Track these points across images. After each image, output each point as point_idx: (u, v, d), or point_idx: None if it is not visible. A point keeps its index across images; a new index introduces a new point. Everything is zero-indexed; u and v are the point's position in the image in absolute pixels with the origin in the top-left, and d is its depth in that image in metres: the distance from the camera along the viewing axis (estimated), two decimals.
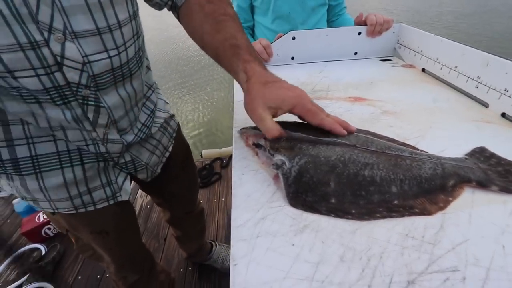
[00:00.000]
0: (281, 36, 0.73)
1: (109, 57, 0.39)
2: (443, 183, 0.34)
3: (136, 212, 1.48)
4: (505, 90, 0.46)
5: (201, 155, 1.83)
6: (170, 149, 0.62)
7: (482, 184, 0.33)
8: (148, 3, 0.49)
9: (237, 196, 0.35)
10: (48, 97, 0.36)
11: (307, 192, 0.33)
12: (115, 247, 0.60)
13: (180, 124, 0.70)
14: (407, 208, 0.32)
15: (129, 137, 0.49)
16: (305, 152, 0.36)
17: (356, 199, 0.32)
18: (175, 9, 0.49)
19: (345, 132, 0.39)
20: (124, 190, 0.53)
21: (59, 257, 1.25)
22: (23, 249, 1.29)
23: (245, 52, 0.40)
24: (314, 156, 0.36)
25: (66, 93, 0.37)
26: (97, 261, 0.65)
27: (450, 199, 0.33)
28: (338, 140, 0.38)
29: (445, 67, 0.59)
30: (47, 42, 0.33)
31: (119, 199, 0.52)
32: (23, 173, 0.42)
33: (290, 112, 0.38)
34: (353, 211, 0.32)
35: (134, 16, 0.42)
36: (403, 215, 0.31)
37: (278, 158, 0.37)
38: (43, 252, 1.27)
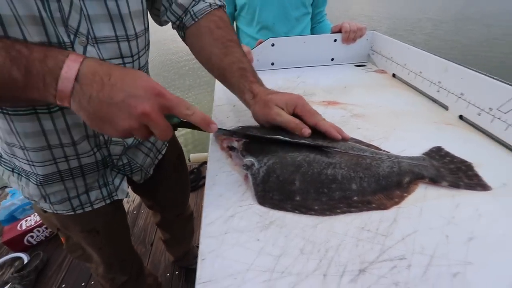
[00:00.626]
0: (261, 43, 0.76)
1: (124, 63, 0.43)
2: (399, 180, 0.36)
3: None
4: (461, 94, 0.50)
5: (189, 159, 1.83)
6: (163, 151, 0.64)
7: (434, 180, 0.37)
8: (152, 17, 0.53)
9: (209, 195, 0.37)
10: None
11: (274, 191, 0.35)
12: (104, 247, 0.61)
13: None
14: (365, 204, 0.34)
15: (129, 140, 0.52)
16: (273, 153, 0.39)
17: (319, 196, 0.35)
18: (182, 29, 0.52)
19: (340, 137, 0.41)
20: (121, 189, 0.55)
21: (42, 266, 1.23)
22: (3, 258, 1.26)
23: (251, 75, 0.47)
24: (281, 157, 0.38)
25: None
26: (85, 262, 0.66)
27: (405, 194, 0.35)
28: (306, 141, 0.40)
29: (412, 73, 0.63)
30: (72, 44, 0.36)
31: (115, 198, 0.55)
32: (31, 180, 0.46)
33: (293, 112, 0.42)
34: (316, 207, 0.34)
35: (147, 29, 0.47)
36: (361, 210, 0.34)
37: (248, 159, 0.39)
38: (25, 261, 1.24)
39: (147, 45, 0.48)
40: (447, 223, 0.32)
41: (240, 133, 0.44)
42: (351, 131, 0.47)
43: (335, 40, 0.77)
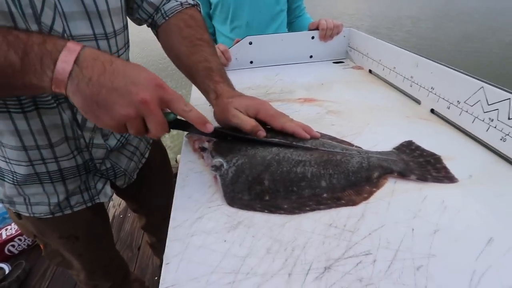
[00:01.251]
0: (238, 41, 0.75)
1: None
2: (369, 175, 0.36)
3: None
4: (431, 88, 0.50)
5: (176, 161, 1.81)
6: (146, 155, 0.63)
7: (403, 174, 0.37)
8: (129, 17, 0.52)
9: (178, 197, 0.37)
10: (44, 98, 0.38)
11: (243, 191, 0.35)
12: (85, 253, 0.59)
13: None
14: (334, 200, 0.34)
15: (112, 142, 0.50)
16: (243, 153, 0.38)
17: (288, 195, 0.35)
18: (154, 27, 0.52)
19: (308, 136, 0.41)
20: (104, 193, 0.54)
21: (25, 276, 1.19)
22: None
23: (216, 74, 0.46)
24: (250, 156, 0.38)
25: (59, 95, 0.38)
26: (66, 268, 0.64)
27: (374, 189, 0.35)
28: (276, 139, 0.40)
29: (386, 68, 0.63)
30: None
31: (97, 201, 0.53)
32: (5, 179, 0.44)
33: (257, 118, 0.41)
34: (285, 206, 0.34)
35: (126, 27, 0.46)
36: (330, 207, 0.33)
37: (217, 160, 0.38)
38: (7, 271, 1.20)
39: (126, 43, 0.47)
40: (413, 217, 0.32)
41: (229, 133, 0.42)
42: (325, 128, 0.47)
43: (312, 38, 0.77)
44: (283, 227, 0.32)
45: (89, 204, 0.52)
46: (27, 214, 0.49)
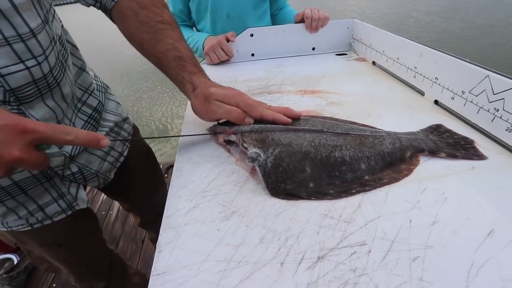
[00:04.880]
0: (234, 34, 0.74)
1: (27, 68, 0.35)
2: (402, 155, 0.37)
3: (114, 216, 1.46)
4: (435, 78, 0.49)
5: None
6: (125, 153, 0.59)
7: (433, 152, 0.38)
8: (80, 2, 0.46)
9: (173, 187, 0.36)
10: None
11: (286, 180, 0.34)
12: (70, 259, 0.57)
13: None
14: (377, 181, 0.34)
15: (69, 148, 0.45)
16: (277, 142, 0.38)
17: (332, 180, 0.34)
18: (106, 11, 0.46)
19: (289, 120, 0.40)
20: (80, 198, 0.51)
21: (32, 266, 1.22)
22: None
23: (190, 64, 0.43)
24: (286, 145, 0.37)
25: None
26: (55, 273, 0.62)
27: (412, 167, 0.36)
28: (306, 127, 0.39)
29: (390, 59, 0.62)
30: None
31: (77, 208, 0.50)
32: None
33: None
34: (331, 191, 0.33)
35: (46, 20, 0.38)
36: (374, 187, 0.34)
37: (253, 151, 0.37)
38: (15, 262, 1.23)
39: (52, 40, 0.40)
40: (411, 208, 0.31)
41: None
42: None
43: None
44: (278, 217, 0.31)
45: (69, 213, 0.49)
46: (4, 229, 0.45)
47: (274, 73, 0.68)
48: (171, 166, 1.55)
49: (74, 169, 0.48)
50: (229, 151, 0.42)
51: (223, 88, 0.42)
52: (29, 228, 0.46)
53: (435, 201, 0.31)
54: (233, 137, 0.41)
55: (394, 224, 0.29)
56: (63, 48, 0.43)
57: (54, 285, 1.15)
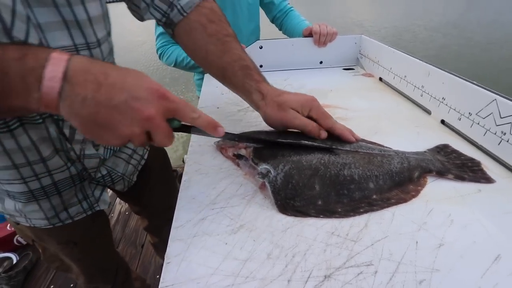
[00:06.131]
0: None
1: None
2: (410, 175, 0.37)
3: (115, 219, 1.46)
4: (442, 98, 0.50)
5: (183, 161, 1.83)
6: (145, 156, 0.61)
7: (441, 173, 0.38)
8: (133, 14, 0.48)
9: (182, 198, 0.37)
10: (29, 114, 0.36)
11: (295, 197, 0.35)
12: (83, 258, 0.59)
13: None
14: (385, 200, 0.35)
15: (102, 150, 0.48)
16: (287, 158, 0.38)
17: (340, 198, 0.35)
18: (170, 26, 0.48)
19: (354, 139, 0.41)
20: (103, 200, 0.53)
21: (31, 266, 1.22)
22: None
23: (255, 73, 0.44)
24: (296, 161, 0.38)
25: None
26: (65, 272, 0.63)
27: (419, 188, 0.36)
28: (316, 143, 0.40)
29: (397, 77, 0.62)
30: None
31: (97, 208, 0.52)
32: (4, 195, 0.43)
33: (308, 115, 0.41)
34: (339, 210, 0.34)
35: (109, 33, 0.43)
36: (382, 207, 0.34)
37: (263, 167, 0.37)
38: (14, 261, 1.23)
39: (111, 50, 0.44)
40: (418, 229, 0.31)
41: (244, 137, 0.41)
42: None
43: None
44: (285, 233, 0.31)
45: (89, 213, 0.51)
46: (27, 224, 0.48)
47: (282, 85, 0.69)
48: (174, 170, 1.55)
49: (104, 171, 0.50)
50: (238, 164, 0.42)
51: (293, 94, 0.42)
52: (51, 226, 0.48)
53: (442, 223, 0.32)
54: (242, 151, 0.41)
55: (400, 245, 0.29)
56: (112, 58, 0.46)
57: (52, 286, 1.15)
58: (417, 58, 0.56)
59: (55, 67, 0.25)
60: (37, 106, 0.26)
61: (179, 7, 0.45)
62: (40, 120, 0.37)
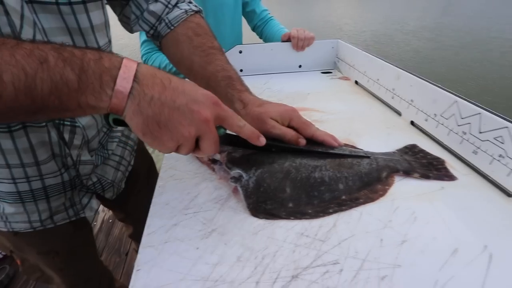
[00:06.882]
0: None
1: None
2: (378, 175, 0.39)
3: (98, 227, 1.43)
4: (411, 100, 0.52)
5: None
6: (132, 162, 0.61)
7: (407, 172, 0.39)
8: (123, 25, 0.50)
9: (155, 204, 0.37)
10: None
11: (267, 200, 0.35)
12: (65, 268, 0.57)
13: None
14: (354, 200, 0.36)
15: (98, 157, 0.49)
16: (260, 162, 0.39)
17: (310, 200, 0.36)
18: (157, 38, 0.50)
19: (336, 144, 0.42)
20: (89, 207, 0.52)
21: (8, 280, 1.17)
22: None
23: (238, 83, 0.46)
24: (268, 165, 0.38)
25: None
26: (45, 283, 0.62)
27: (387, 187, 0.37)
28: (287, 145, 0.41)
29: (370, 80, 0.65)
30: None
31: (82, 215, 0.51)
32: None
33: (289, 125, 0.42)
34: (310, 211, 0.34)
35: (110, 41, 0.45)
36: (351, 207, 0.35)
37: (235, 171, 0.38)
38: None
39: None
40: (383, 227, 0.32)
41: (274, 145, 0.41)
42: None
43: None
44: (256, 235, 0.32)
45: (73, 219, 0.50)
46: (5, 229, 0.46)
47: (261, 89, 0.70)
48: None
49: (94, 179, 0.50)
50: (213, 169, 0.42)
51: (274, 105, 0.43)
52: (31, 230, 0.47)
53: (406, 220, 0.33)
54: (217, 156, 0.42)
55: (366, 243, 0.31)
56: None
57: None
58: (388, 62, 0.58)
59: (127, 69, 0.27)
60: (106, 104, 0.27)
61: (167, 21, 0.47)
62: (43, 124, 0.38)
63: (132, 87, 0.27)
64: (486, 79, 3.21)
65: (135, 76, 0.27)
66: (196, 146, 0.31)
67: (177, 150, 0.31)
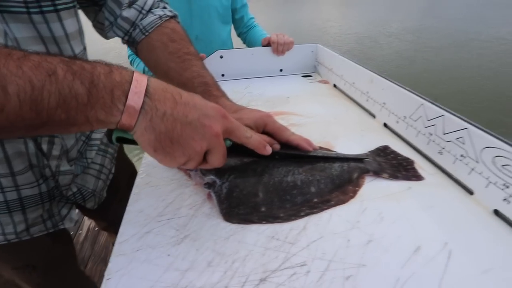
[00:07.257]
0: (204, 57, 0.77)
1: None
2: (350, 176, 0.40)
3: (83, 235, 1.40)
4: (383, 103, 0.54)
5: None
6: (113, 170, 0.61)
7: (377, 173, 0.41)
8: (97, 31, 0.49)
9: (129, 212, 0.37)
10: None
11: (239, 205, 0.36)
12: (43, 283, 0.55)
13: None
14: (325, 203, 0.36)
15: (77, 167, 0.48)
16: (233, 167, 0.39)
17: (283, 204, 0.36)
18: (132, 44, 0.50)
19: (311, 148, 0.42)
20: (69, 218, 0.50)
21: None
22: None
23: (214, 89, 0.46)
24: (241, 170, 0.39)
25: None
26: None
27: (357, 188, 0.39)
28: (291, 152, 0.41)
29: (347, 83, 0.66)
30: None
31: (61, 227, 0.50)
32: None
33: (263, 130, 0.42)
34: (282, 215, 0.35)
35: (85, 48, 0.44)
36: (322, 210, 0.36)
37: (209, 177, 0.38)
38: None
39: None
40: (351, 228, 0.33)
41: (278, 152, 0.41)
42: None
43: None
44: (228, 240, 0.33)
45: (51, 231, 0.49)
46: None
47: (242, 93, 0.71)
48: None
49: (74, 189, 0.49)
50: (189, 175, 0.43)
51: (249, 111, 0.43)
52: (5, 242, 0.45)
53: (373, 220, 0.34)
54: None
55: (333, 244, 0.31)
56: None
57: None
58: (362, 66, 0.60)
59: (138, 83, 0.27)
60: (117, 119, 0.26)
61: (141, 27, 0.47)
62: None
63: (143, 102, 0.27)
64: (464, 78, 3.33)
65: (146, 91, 0.27)
66: (203, 159, 0.31)
67: (184, 164, 0.30)
